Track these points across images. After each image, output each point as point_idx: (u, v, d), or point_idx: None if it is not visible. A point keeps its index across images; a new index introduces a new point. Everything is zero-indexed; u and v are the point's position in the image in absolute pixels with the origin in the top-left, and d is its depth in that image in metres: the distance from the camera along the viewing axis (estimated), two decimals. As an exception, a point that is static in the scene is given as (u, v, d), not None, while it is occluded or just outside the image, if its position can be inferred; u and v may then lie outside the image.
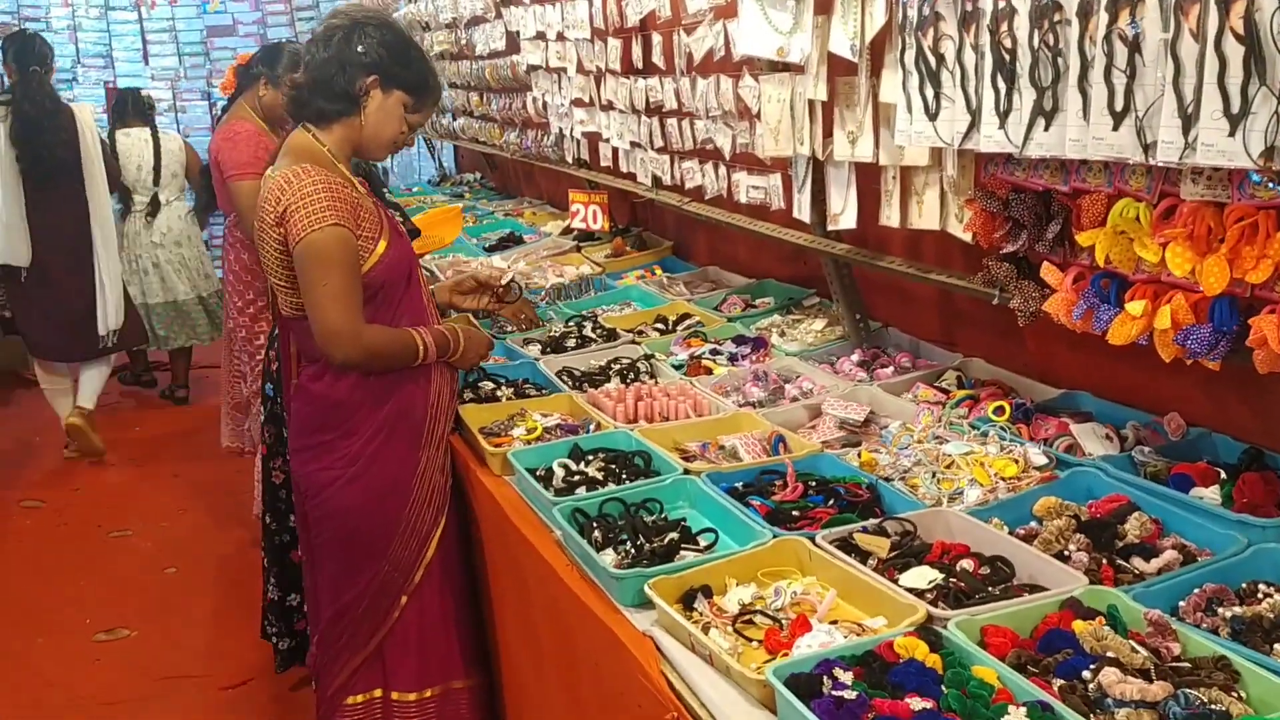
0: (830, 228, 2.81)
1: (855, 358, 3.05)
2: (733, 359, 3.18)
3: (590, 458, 2.54)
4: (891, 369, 2.95)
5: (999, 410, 2.47)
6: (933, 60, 2.05)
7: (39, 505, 5.32)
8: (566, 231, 5.03)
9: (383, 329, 2.58)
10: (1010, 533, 1.99)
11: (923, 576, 1.85)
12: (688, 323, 3.56)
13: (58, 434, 6.29)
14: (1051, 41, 1.79)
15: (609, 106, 4.05)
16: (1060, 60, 1.79)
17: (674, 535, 2.11)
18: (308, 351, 2.67)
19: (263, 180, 2.61)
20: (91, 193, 5.58)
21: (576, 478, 2.45)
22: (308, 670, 3.21)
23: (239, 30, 10.47)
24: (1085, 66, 1.73)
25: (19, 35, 6.03)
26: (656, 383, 3.01)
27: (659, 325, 3.61)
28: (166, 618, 4.18)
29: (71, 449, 5.96)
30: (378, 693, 2.76)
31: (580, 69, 4.19)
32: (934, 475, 2.23)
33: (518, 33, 4.72)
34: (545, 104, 4.74)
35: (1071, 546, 1.91)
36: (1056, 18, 1.77)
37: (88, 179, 5.56)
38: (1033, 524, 2.02)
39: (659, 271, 4.33)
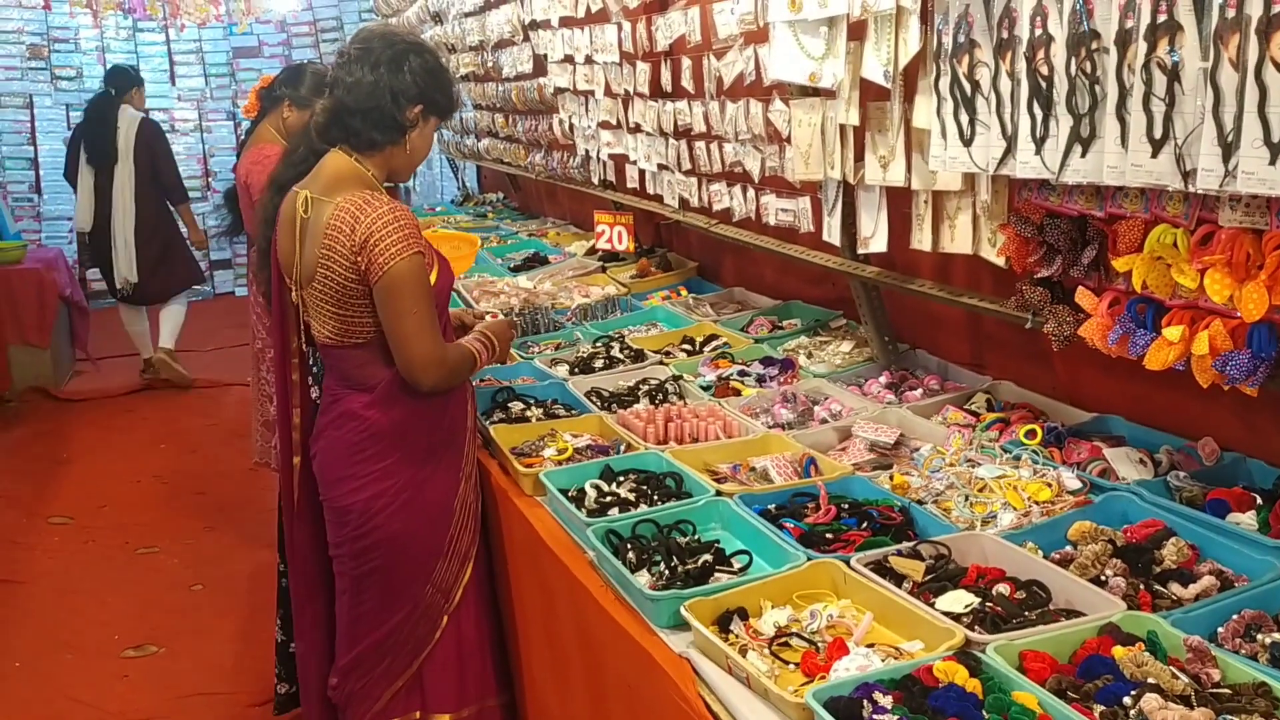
0: (860, 251, 2.82)
1: (883, 380, 3.06)
2: (761, 380, 3.18)
3: (621, 479, 2.55)
4: (920, 391, 2.95)
5: (1030, 433, 2.47)
6: (968, 87, 2.07)
7: (67, 521, 5.36)
8: (591, 252, 5.05)
9: (452, 346, 2.63)
10: (1045, 557, 1.99)
11: (959, 600, 1.85)
12: (715, 344, 3.57)
13: (84, 450, 6.36)
14: (1089, 69, 1.80)
15: (636, 129, 4.08)
16: (1098, 88, 1.80)
17: (708, 557, 2.12)
18: (358, 378, 2.62)
19: (306, 202, 2.52)
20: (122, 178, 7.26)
21: (608, 499, 2.46)
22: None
23: (264, 52, 10.60)
24: (1123, 94, 1.75)
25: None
26: (685, 404, 3.02)
27: (686, 346, 3.62)
28: (194, 635, 4.20)
29: (148, 374, 7.54)
30: (416, 715, 2.75)
31: (608, 92, 4.22)
32: (967, 499, 2.24)
33: (545, 55, 4.76)
34: (572, 126, 4.78)
35: (1108, 572, 1.90)
36: (1094, 46, 1.79)
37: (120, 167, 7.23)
38: (1068, 548, 2.02)
39: (684, 292, 4.34)
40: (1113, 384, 2.54)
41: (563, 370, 3.39)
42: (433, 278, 2.55)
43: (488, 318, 3.13)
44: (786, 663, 1.79)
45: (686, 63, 3.60)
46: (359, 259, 2.44)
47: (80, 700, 3.79)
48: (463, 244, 4.18)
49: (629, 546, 2.19)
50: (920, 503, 2.27)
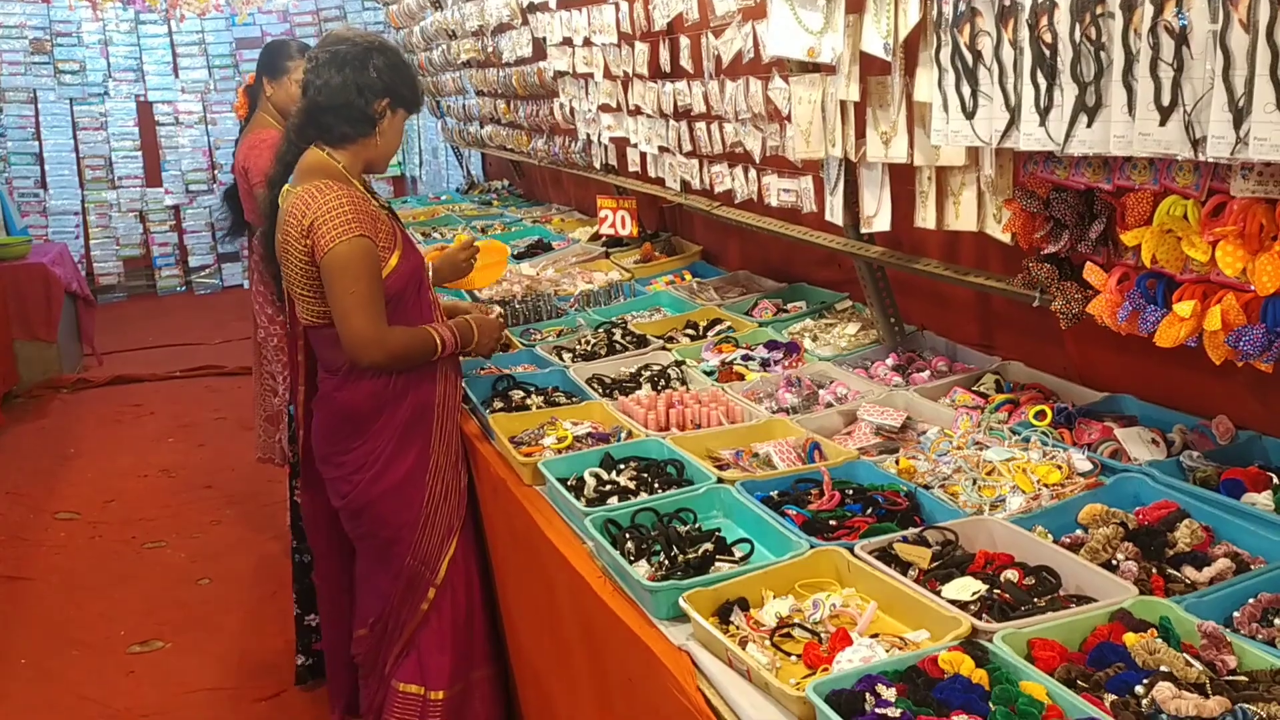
0: (864, 230, 2.76)
1: (890, 362, 3.00)
2: (765, 364, 3.13)
3: (622, 466, 2.50)
4: (928, 373, 2.89)
5: (1040, 415, 2.41)
6: (969, 57, 2.00)
7: (74, 517, 5.35)
8: (595, 238, 5.00)
9: (403, 329, 2.76)
10: (1055, 541, 1.93)
11: (966, 588, 1.79)
12: (719, 328, 3.52)
13: (92, 445, 6.35)
14: (1094, 35, 1.73)
15: (636, 111, 4.01)
16: (1103, 55, 1.73)
17: (708, 546, 2.06)
18: (328, 360, 2.82)
19: (283, 195, 2.74)
20: None
21: (608, 487, 2.41)
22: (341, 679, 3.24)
23: (267, 42, 10.52)
24: (1130, 60, 1.68)
25: None
26: (688, 389, 2.97)
27: (689, 331, 3.57)
28: (200, 629, 4.18)
29: None
30: (418, 689, 2.90)
31: (607, 74, 4.16)
32: (975, 482, 2.18)
33: (544, 39, 4.70)
34: (572, 110, 4.72)
35: (1120, 555, 1.85)
36: (1099, 11, 1.72)
37: None
38: (1078, 532, 1.97)
39: (688, 277, 4.29)
40: (1124, 362, 2.48)
41: (565, 358, 3.34)
42: (391, 263, 2.72)
43: (495, 311, 3.29)
44: (788, 654, 1.74)
45: (685, 42, 3.53)
46: (307, 241, 2.63)
47: (87, 697, 3.77)
48: (490, 253, 3.93)
49: (628, 536, 2.14)
50: (927, 487, 2.21)
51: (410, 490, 2.84)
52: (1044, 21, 1.83)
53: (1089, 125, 1.78)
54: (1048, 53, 1.83)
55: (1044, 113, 1.85)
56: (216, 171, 10.47)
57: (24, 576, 4.70)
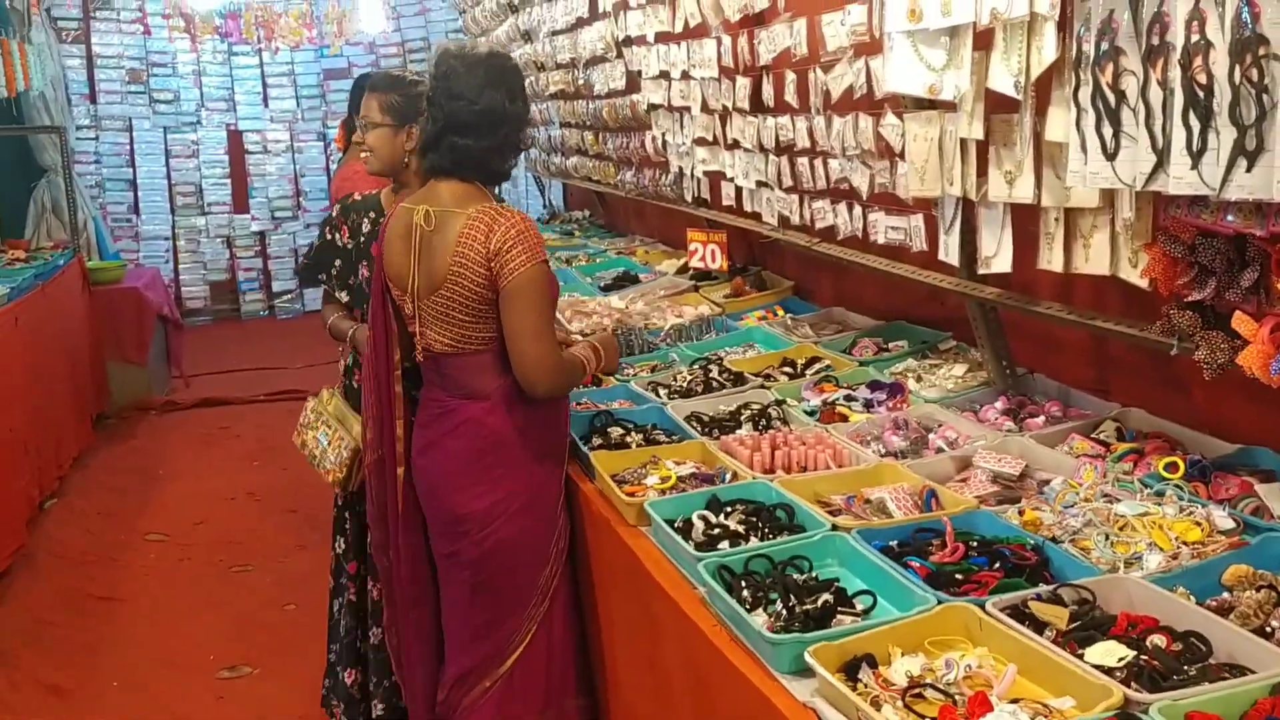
0: (981, 270, 2.68)
1: (1000, 405, 2.91)
2: (868, 405, 3.06)
3: (729, 509, 2.45)
4: (1042, 419, 2.79)
5: (1171, 467, 2.31)
6: (1112, 97, 1.93)
7: (164, 539, 5.42)
8: (682, 270, 4.96)
9: (565, 354, 2.76)
10: (1199, 604, 1.83)
11: (1110, 653, 1.71)
12: (817, 366, 3.44)
13: (180, 466, 6.45)
14: (1255, 77, 1.66)
15: (734, 145, 3.98)
16: (1266, 97, 1.65)
17: (828, 597, 2.00)
18: (471, 387, 2.70)
19: (435, 215, 2.62)
20: None
21: (716, 531, 2.36)
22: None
23: (353, 73, 10.70)
24: (1298, 103, 1.60)
25: None
26: (790, 430, 2.91)
27: (786, 369, 3.50)
28: (288, 656, 4.18)
29: None
30: None
31: (705, 108, 4.14)
32: (1108, 538, 2.09)
33: (639, 72, 4.70)
34: (665, 143, 4.70)
35: (1273, 623, 1.75)
36: (1262, 52, 1.65)
37: None
38: (1224, 595, 1.87)
39: (780, 312, 4.22)
40: (1259, 412, 2.37)
41: (662, 394, 3.29)
42: None
43: (574, 337, 3.25)
44: (922, 716, 1.66)
45: (790, 76, 3.49)
46: (492, 264, 2.55)
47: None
48: None
49: (743, 584, 2.08)
50: (1055, 541, 2.12)
51: (549, 522, 2.78)
52: (1198, 62, 1.75)
53: (1248, 170, 1.70)
54: (1202, 94, 1.75)
55: (1196, 156, 1.78)
56: (302, 199, 10.65)
57: (117, 597, 4.75)
